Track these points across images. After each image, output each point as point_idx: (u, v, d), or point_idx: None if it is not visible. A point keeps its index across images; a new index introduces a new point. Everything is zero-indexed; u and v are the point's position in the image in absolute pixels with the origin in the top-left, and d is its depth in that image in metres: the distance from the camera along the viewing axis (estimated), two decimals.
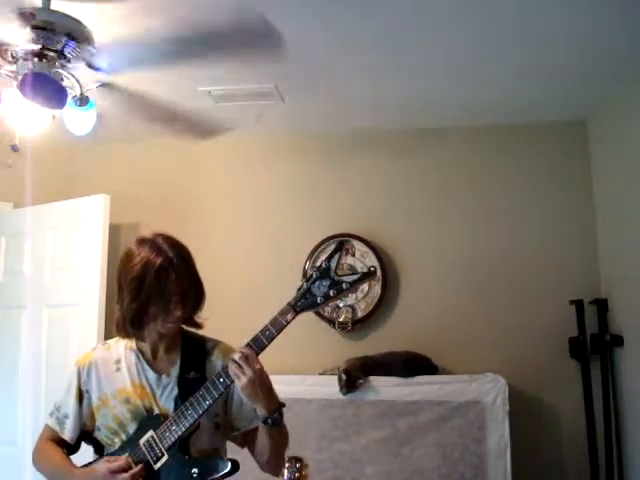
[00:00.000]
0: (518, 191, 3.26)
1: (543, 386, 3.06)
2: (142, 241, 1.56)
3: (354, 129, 3.41)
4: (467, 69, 2.65)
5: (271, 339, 1.45)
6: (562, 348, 3.03)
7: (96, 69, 2.36)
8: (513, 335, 3.12)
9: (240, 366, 1.42)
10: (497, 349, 3.10)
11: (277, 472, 1.63)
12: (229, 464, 1.47)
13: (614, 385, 2.92)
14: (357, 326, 3.25)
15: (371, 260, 3.27)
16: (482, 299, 3.18)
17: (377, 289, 3.25)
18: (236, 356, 1.44)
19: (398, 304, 3.29)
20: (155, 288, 1.49)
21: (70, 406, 1.61)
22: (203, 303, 1.61)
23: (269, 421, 1.47)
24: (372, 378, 2.95)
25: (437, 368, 3.03)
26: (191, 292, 1.55)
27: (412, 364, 2.98)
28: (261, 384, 1.43)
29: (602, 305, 2.96)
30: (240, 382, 1.43)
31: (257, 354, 1.45)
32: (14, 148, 2.27)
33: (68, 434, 1.61)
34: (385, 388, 2.92)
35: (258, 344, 1.45)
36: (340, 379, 2.91)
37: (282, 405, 1.51)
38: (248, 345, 1.46)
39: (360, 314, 3.25)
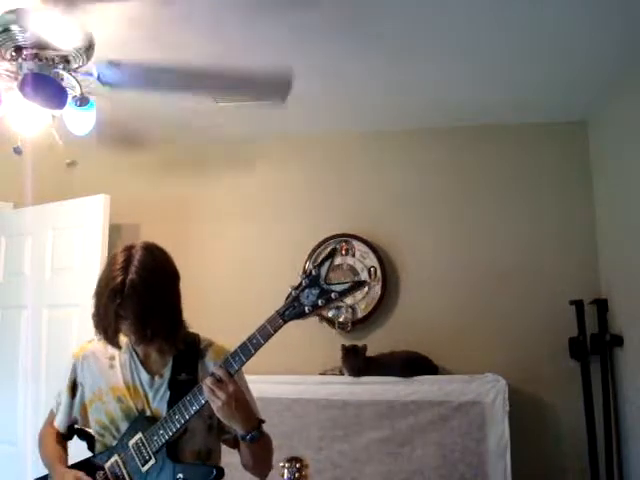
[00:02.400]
0: (518, 191, 3.26)
1: (543, 386, 3.06)
2: (122, 251, 1.54)
3: (354, 130, 3.40)
4: (466, 70, 2.64)
5: (253, 351, 1.41)
6: (562, 348, 3.03)
7: (98, 78, 2.35)
8: (513, 335, 3.12)
9: (213, 391, 1.41)
10: (497, 349, 3.10)
11: (263, 477, 1.63)
12: (214, 470, 1.47)
13: (614, 385, 2.92)
14: (357, 326, 3.25)
15: (371, 260, 3.27)
16: (482, 299, 3.18)
17: (377, 289, 3.25)
18: (208, 381, 1.42)
19: (398, 304, 3.28)
20: (105, 308, 1.47)
21: (62, 396, 1.66)
22: (157, 335, 1.50)
23: (247, 438, 1.47)
24: (372, 378, 2.95)
25: (437, 368, 3.03)
26: (135, 324, 1.47)
27: (412, 364, 2.98)
28: (237, 405, 1.42)
29: (602, 305, 2.96)
30: (215, 405, 1.42)
31: (236, 371, 1.44)
32: (17, 150, 2.25)
33: (57, 423, 1.67)
34: (385, 388, 2.92)
35: (237, 360, 1.43)
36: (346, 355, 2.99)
37: (261, 422, 1.50)
38: (233, 356, 1.44)
39: (360, 314, 3.25)
